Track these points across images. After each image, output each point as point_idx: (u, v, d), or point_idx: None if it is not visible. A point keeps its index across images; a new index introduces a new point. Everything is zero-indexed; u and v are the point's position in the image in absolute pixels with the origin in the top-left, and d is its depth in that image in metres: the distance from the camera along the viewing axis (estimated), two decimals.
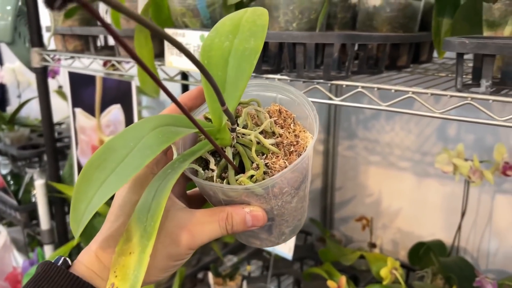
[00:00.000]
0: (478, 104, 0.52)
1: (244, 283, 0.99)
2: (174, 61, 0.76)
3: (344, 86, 0.60)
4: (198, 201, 0.43)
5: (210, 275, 1.01)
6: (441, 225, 1.12)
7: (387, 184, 1.20)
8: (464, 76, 0.56)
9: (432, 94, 0.56)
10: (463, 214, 1.02)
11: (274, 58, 0.70)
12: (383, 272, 0.87)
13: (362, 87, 0.58)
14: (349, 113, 1.22)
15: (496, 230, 1.05)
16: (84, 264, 0.36)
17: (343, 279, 0.86)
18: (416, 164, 1.13)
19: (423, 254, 1.10)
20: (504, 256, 1.05)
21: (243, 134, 0.37)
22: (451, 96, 0.54)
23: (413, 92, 0.56)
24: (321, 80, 0.60)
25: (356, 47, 0.67)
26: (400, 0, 0.74)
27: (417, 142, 1.12)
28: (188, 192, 0.43)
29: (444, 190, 1.10)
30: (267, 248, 1.01)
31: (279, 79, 0.66)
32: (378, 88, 0.57)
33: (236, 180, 0.34)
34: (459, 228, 1.04)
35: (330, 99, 0.62)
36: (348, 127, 1.23)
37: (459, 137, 1.05)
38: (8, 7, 1.08)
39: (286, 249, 0.98)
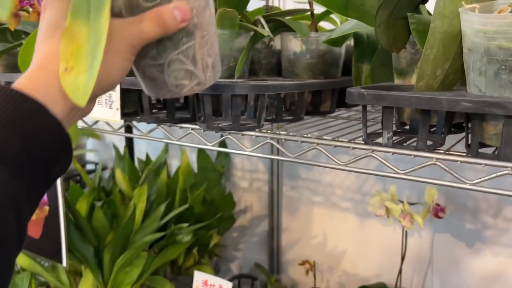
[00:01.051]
0: (380, 157, 0.52)
1: None
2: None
3: (254, 136, 0.58)
4: None
5: None
6: (386, 266, 1.11)
7: (331, 225, 1.19)
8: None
9: (335, 146, 0.55)
10: (402, 258, 1.01)
11: (192, 106, 0.68)
12: None
13: (271, 138, 0.57)
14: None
15: (438, 270, 1.04)
16: (24, 84, 0.34)
17: None
18: (357, 204, 1.13)
19: None
20: None
21: None
22: (353, 148, 0.54)
23: (318, 144, 0.55)
24: (232, 131, 0.58)
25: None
26: (320, 47, 0.74)
27: (357, 182, 1.12)
28: None
29: (385, 230, 1.10)
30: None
31: (192, 129, 0.64)
32: (285, 140, 0.56)
33: None
34: (400, 272, 1.02)
35: (243, 150, 0.60)
36: (291, 168, 1.22)
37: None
38: None
39: None
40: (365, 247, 1.14)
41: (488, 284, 0.97)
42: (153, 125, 0.69)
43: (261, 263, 1.24)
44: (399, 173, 0.50)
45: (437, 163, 0.49)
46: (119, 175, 1.14)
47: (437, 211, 0.84)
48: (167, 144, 1.31)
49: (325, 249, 1.20)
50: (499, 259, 0.95)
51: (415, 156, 0.50)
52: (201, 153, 1.28)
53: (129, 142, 1.33)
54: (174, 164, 1.43)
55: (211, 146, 0.61)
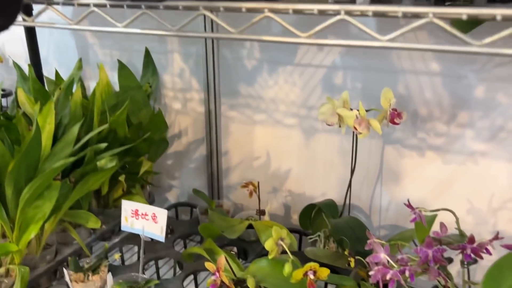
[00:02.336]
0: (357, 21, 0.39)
1: (109, 276, 0.82)
2: None
3: (180, 8, 0.43)
4: None
5: (66, 272, 0.82)
6: (333, 184, 1.04)
7: (274, 145, 1.09)
8: None
9: (295, 12, 0.41)
10: (352, 171, 0.94)
11: None
12: (269, 245, 0.76)
13: (204, 7, 0.42)
14: (229, 67, 1.06)
15: (387, 185, 0.99)
16: None
17: (222, 258, 0.73)
18: (303, 120, 1.03)
19: (315, 217, 1.01)
20: (395, 211, 1.00)
21: None
22: (320, 12, 0.40)
23: (269, 10, 0.41)
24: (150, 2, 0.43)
25: None
26: None
27: (303, 96, 1.01)
28: None
29: (333, 146, 1.02)
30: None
31: (95, 5, 0.48)
32: (224, 9, 0.41)
33: None
34: (350, 185, 0.96)
35: (166, 28, 0.45)
36: (230, 84, 1.08)
37: (346, 87, 0.96)
38: None
39: (157, 229, 0.82)
40: (311, 165, 1.06)
41: (438, 194, 0.94)
42: (42, 7, 0.51)
43: (200, 190, 1.12)
44: (381, 40, 0.38)
45: (434, 20, 0.37)
46: (21, 95, 0.94)
47: (394, 117, 0.76)
48: (80, 60, 1.11)
49: (268, 171, 1.11)
50: (450, 167, 0.91)
51: (403, 16, 0.38)
52: (123, 70, 1.10)
53: (34, 58, 1.10)
54: (92, 86, 1.23)
55: (122, 28, 0.45)
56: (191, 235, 1.06)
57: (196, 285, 0.93)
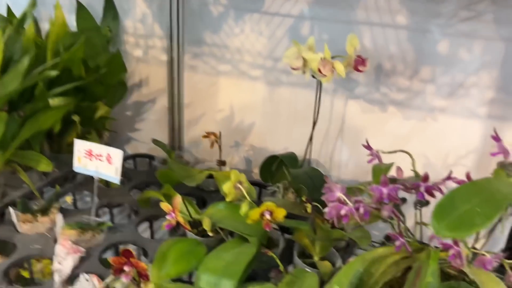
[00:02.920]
0: None
1: (59, 217, 0.79)
2: None
3: None
4: None
5: (12, 211, 0.78)
6: (295, 138, 1.03)
7: (238, 97, 1.07)
8: None
9: None
10: (314, 123, 0.94)
11: None
12: (226, 187, 0.74)
13: None
14: (194, 13, 1.03)
15: (348, 140, 0.99)
16: None
17: (177, 198, 0.71)
18: (268, 72, 1.01)
19: (276, 170, 1.01)
20: (355, 165, 1.01)
21: None
22: None
23: None
24: None
25: None
26: None
27: (269, 46, 0.99)
28: None
29: (297, 100, 1.01)
30: None
31: None
32: None
33: None
34: (311, 138, 0.96)
35: None
36: (194, 31, 1.04)
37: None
38: None
39: (111, 171, 0.79)
40: (274, 120, 1.05)
41: (398, 145, 0.95)
42: None
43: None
44: None
45: None
46: None
47: (358, 63, 0.75)
48: None
49: (231, 124, 1.09)
50: (410, 123, 0.92)
51: None
52: (82, 11, 1.04)
53: None
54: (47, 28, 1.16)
55: None
56: (149, 185, 1.03)
57: (152, 232, 0.91)
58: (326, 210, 0.61)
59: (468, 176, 0.57)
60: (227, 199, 0.76)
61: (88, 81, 0.90)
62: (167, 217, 0.71)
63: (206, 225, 0.72)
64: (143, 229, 0.90)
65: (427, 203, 0.64)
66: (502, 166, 0.55)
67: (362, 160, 0.98)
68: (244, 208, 0.70)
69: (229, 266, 0.65)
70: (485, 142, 0.86)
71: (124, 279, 0.55)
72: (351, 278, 0.64)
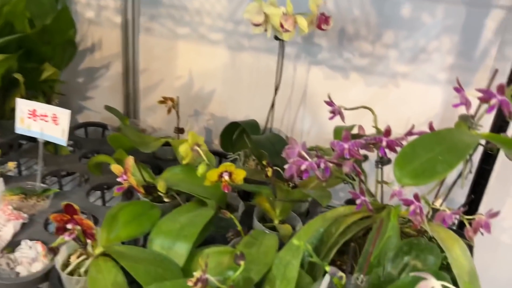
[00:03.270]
0: None
1: (0, 181, 0.72)
2: None
3: None
4: None
5: None
6: (257, 106, 1.00)
7: (198, 62, 1.02)
8: None
9: None
10: (276, 90, 0.91)
11: None
12: (183, 149, 0.70)
13: None
14: None
15: (310, 107, 0.97)
16: None
17: (129, 160, 0.67)
18: (229, 36, 0.97)
19: (237, 139, 0.98)
20: (317, 133, 0.99)
21: None
22: None
23: None
24: None
25: None
26: None
27: (230, 8, 0.95)
28: None
29: (259, 66, 0.97)
30: None
31: None
32: None
33: None
34: (273, 105, 0.93)
35: None
36: None
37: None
38: None
39: (57, 132, 0.73)
40: (235, 86, 1.01)
41: (359, 117, 0.93)
42: None
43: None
44: None
45: None
46: None
47: (321, 22, 0.73)
48: None
49: (190, 92, 1.05)
50: (373, 89, 0.91)
51: None
52: None
53: None
54: None
55: None
56: (101, 153, 0.98)
57: (104, 200, 0.86)
58: (286, 166, 0.58)
59: (430, 126, 0.55)
60: (184, 162, 0.72)
61: (32, 37, 0.83)
62: (119, 179, 0.66)
63: (161, 187, 0.68)
64: (95, 199, 0.85)
65: (388, 161, 0.62)
66: (463, 118, 0.54)
67: (325, 128, 0.97)
68: (201, 169, 0.66)
69: (184, 229, 0.61)
70: (445, 108, 0.86)
71: (66, 238, 0.50)
72: (311, 239, 0.62)
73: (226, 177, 0.65)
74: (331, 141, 0.58)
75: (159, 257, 0.58)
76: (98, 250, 0.58)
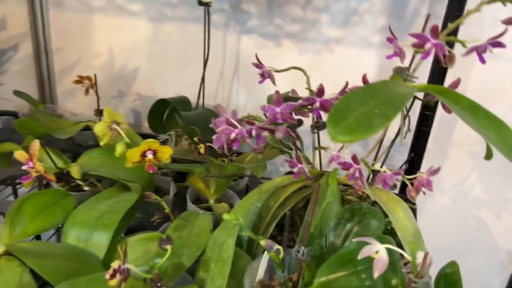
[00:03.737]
0: None
1: None
2: None
3: None
4: None
5: None
6: (187, 82, 0.93)
7: (118, 38, 0.93)
8: None
9: None
10: (205, 63, 0.85)
11: None
12: (99, 129, 0.62)
13: None
14: None
15: (244, 80, 0.92)
16: None
17: (35, 143, 0.58)
18: (149, 5, 0.89)
19: (167, 118, 0.90)
20: (254, 107, 0.94)
21: None
22: None
23: None
24: None
25: None
26: None
27: None
28: None
29: (185, 38, 0.90)
30: None
31: None
32: None
33: None
34: (203, 80, 0.86)
35: None
36: None
37: None
38: None
39: None
40: (162, 62, 0.93)
41: (294, 86, 0.89)
42: None
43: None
44: None
45: None
46: None
47: None
48: None
49: (112, 71, 0.95)
50: (306, 57, 0.87)
51: None
52: None
53: None
54: None
55: None
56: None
57: (16, 195, 0.75)
58: (214, 137, 0.52)
59: (364, 79, 0.51)
60: (101, 143, 0.63)
61: None
62: (24, 167, 0.57)
63: (75, 173, 0.60)
64: (7, 195, 0.74)
65: (324, 125, 0.58)
66: (398, 70, 0.50)
67: (262, 101, 0.92)
68: (119, 148, 0.59)
69: (104, 217, 0.54)
70: (380, 72, 0.84)
71: None
72: (248, 215, 0.57)
73: (150, 156, 0.58)
74: (262, 106, 0.52)
75: (73, 251, 0.50)
76: (1, 249, 0.49)
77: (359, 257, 0.36)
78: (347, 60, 0.85)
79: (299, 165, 0.55)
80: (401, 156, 0.86)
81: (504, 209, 0.88)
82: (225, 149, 0.52)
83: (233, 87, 0.93)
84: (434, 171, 0.53)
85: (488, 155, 0.52)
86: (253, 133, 0.51)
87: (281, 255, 0.43)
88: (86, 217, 0.54)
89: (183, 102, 0.88)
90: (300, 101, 0.53)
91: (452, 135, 0.86)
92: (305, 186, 0.59)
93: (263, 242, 0.42)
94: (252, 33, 0.87)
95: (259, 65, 0.58)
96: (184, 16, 0.88)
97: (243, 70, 0.91)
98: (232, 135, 0.50)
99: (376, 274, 0.35)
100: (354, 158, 0.51)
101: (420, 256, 0.37)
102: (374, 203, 0.63)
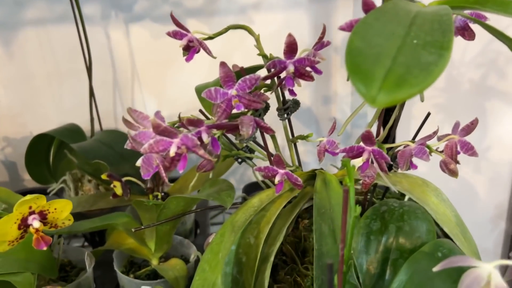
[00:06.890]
0: None
1: None
2: None
3: None
4: None
5: None
6: (69, 105, 0.68)
7: None
8: None
9: None
10: (89, 70, 0.61)
11: None
12: None
13: None
14: None
15: (148, 82, 0.70)
16: None
17: None
18: None
19: (55, 161, 0.65)
20: (171, 117, 0.71)
21: None
22: None
23: None
24: None
25: None
26: None
27: None
28: None
29: (52, 45, 0.65)
30: None
31: None
32: None
33: None
34: (92, 94, 0.62)
35: None
36: None
37: None
38: None
39: None
40: (25, 87, 0.67)
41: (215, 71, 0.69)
42: None
43: None
44: None
45: None
46: None
47: None
48: None
49: None
50: (222, 37, 0.67)
51: None
52: None
53: None
54: None
55: None
56: None
57: None
58: (139, 162, 0.31)
59: (367, 2, 0.33)
60: None
61: None
62: None
63: None
64: None
65: (297, 103, 0.39)
66: None
67: (180, 107, 0.71)
68: None
69: None
70: (315, 31, 0.68)
71: None
72: (223, 269, 0.36)
73: (35, 223, 0.34)
74: (205, 91, 0.32)
75: None
76: None
77: None
78: (274, 28, 0.67)
79: (281, 171, 0.35)
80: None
81: (483, 160, 0.77)
82: (163, 177, 0.30)
83: (135, 96, 0.70)
84: (469, 128, 0.37)
85: None
86: (205, 137, 0.30)
87: None
88: None
89: (72, 131, 0.62)
90: (262, 72, 0.33)
91: None
92: (291, 200, 0.39)
93: None
94: (142, 19, 0.65)
95: (180, 32, 0.37)
96: (43, 16, 0.63)
97: (143, 71, 0.69)
98: (172, 149, 0.29)
99: None
100: (367, 136, 0.33)
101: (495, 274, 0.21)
102: (383, 196, 0.46)
